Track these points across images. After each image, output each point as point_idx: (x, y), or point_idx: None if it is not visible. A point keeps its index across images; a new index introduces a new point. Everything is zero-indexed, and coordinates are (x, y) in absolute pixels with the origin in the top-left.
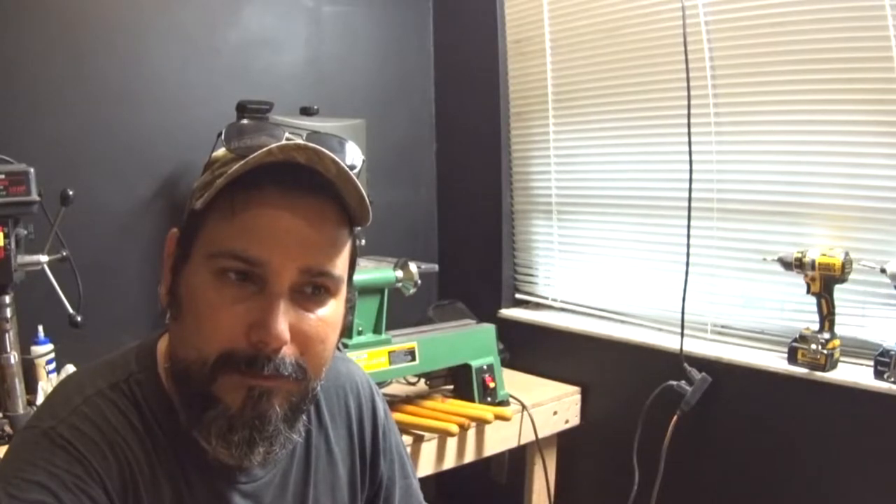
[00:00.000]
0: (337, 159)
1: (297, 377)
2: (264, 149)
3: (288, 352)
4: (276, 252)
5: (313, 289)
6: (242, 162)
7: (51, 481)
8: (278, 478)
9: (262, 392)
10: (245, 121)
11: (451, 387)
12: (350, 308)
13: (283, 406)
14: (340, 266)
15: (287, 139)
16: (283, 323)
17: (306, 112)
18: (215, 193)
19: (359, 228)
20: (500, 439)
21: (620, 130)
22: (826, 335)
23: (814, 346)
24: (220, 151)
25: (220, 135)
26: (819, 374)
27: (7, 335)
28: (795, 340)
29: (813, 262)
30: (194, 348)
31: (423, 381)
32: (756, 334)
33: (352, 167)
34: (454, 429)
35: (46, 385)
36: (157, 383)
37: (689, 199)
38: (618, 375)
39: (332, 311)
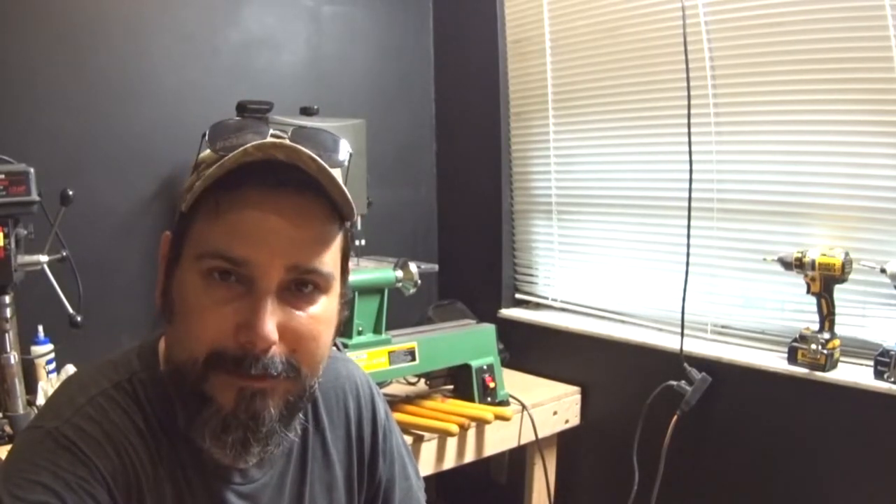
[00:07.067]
0: (314, 155)
1: (289, 376)
2: (240, 149)
3: (278, 351)
4: (261, 251)
5: (303, 286)
6: (218, 164)
7: (54, 482)
8: (275, 479)
9: (254, 392)
10: (237, 119)
11: (451, 387)
12: (345, 304)
13: (279, 406)
14: (330, 262)
15: (272, 136)
16: (270, 323)
17: (306, 112)
18: (200, 195)
19: (349, 224)
20: (500, 439)
21: (620, 130)
22: (826, 335)
23: (814, 346)
24: (207, 152)
25: (204, 135)
26: (819, 374)
27: (7, 335)
28: (795, 340)
29: (813, 262)
30: (186, 349)
31: (423, 381)
32: (756, 334)
33: (336, 163)
34: (454, 429)
35: (46, 385)
36: (159, 383)
37: (689, 200)
38: (618, 375)
39: (324, 309)
